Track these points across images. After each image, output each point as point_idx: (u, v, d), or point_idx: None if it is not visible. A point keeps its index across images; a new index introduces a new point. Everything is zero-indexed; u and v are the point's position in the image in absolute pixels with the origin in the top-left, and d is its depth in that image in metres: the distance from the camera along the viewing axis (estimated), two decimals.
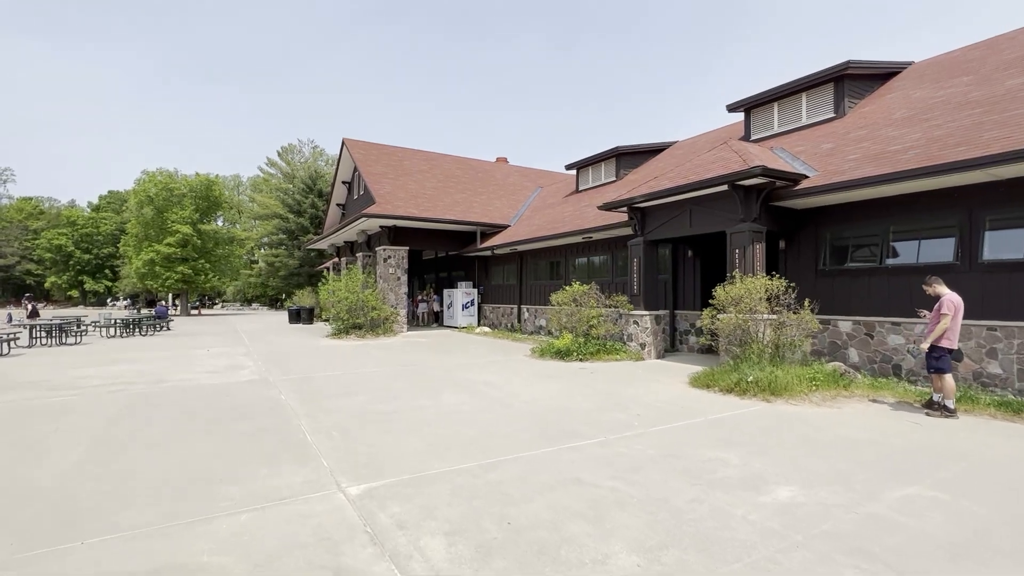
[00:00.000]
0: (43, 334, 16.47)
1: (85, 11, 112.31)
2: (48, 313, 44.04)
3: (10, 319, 28.62)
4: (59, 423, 6.28)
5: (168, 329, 22.93)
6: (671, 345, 12.92)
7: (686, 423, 6.15)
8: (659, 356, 11.74)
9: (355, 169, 24.14)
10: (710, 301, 9.18)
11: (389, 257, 19.69)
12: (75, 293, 70.03)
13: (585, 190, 19.65)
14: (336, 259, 28.76)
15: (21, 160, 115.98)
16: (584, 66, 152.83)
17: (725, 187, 9.56)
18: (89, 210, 75.46)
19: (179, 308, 41.54)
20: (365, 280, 18.53)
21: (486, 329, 19.88)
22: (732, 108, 13.87)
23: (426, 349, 14.20)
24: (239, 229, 54.54)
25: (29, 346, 15.65)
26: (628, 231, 13.41)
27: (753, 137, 13.33)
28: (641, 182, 15.15)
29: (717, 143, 13.41)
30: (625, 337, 12.13)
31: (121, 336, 19.36)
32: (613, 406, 7.02)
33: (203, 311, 48.05)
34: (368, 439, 5.53)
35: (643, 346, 11.65)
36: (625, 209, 12.13)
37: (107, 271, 68.83)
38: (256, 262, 56.74)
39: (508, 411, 6.79)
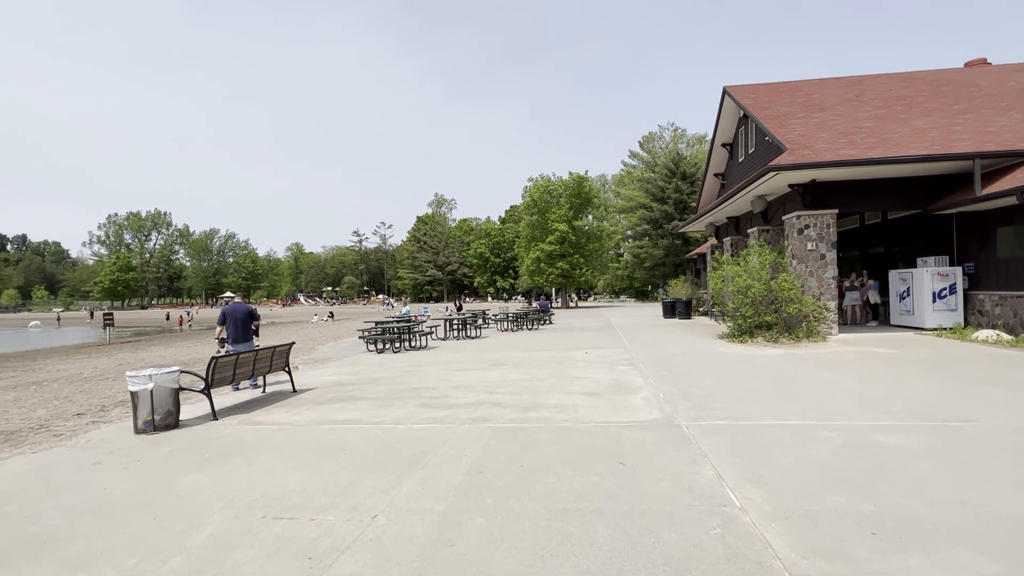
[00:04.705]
0: (454, 328, 17.98)
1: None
2: (473, 307, 55.26)
3: (447, 310, 35.77)
4: (384, 500, 3.93)
5: (550, 323, 23.13)
6: None
7: None
8: None
9: (740, 122, 18.86)
10: None
11: (806, 227, 13.68)
12: (491, 290, 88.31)
13: None
14: (715, 241, 24.03)
15: (456, 190, 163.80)
16: None
17: None
18: (498, 223, 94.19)
19: (560, 302, 45.05)
20: (775, 261, 13.20)
21: (995, 334, 11.48)
22: None
23: (924, 374, 7.96)
24: (606, 225, 56.48)
25: (444, 338, 17.13)
26: None
27: None
28: None
29: None
30: None
31: (511, 331, 19.97)
32: None
33: (579, 304, 51.35)
34: None
35: None
36: None
37: (510, 271, 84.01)
38: (622, 255, 57.68)
39: None
